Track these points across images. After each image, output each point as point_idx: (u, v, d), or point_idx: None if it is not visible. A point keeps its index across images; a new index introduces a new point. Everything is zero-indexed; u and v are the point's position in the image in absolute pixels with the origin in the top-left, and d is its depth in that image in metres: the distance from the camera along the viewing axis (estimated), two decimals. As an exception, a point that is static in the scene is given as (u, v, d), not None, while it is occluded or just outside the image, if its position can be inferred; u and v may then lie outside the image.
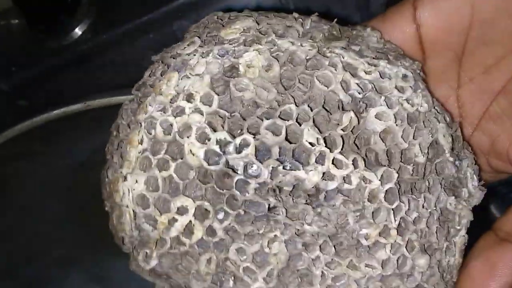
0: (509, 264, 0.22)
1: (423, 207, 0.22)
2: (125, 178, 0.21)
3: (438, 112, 0.23)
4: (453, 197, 0.23)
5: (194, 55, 0.22)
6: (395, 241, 0.22)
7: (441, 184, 0.22)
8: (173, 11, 0.38)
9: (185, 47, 0.22)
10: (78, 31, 0.39)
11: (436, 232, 0.23)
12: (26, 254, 0.35)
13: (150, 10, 0.38)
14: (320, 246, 0.22)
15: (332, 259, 0.22)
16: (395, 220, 0.22)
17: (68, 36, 0.39)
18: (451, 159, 0.23)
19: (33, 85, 0.40)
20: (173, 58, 0.22)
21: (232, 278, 0.21)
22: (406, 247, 0.22)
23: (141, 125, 0.21)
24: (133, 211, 0.21)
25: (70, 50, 0.39)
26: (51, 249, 0.34)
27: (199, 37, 0.22)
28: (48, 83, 0.40)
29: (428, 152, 0.22)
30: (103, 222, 0.34)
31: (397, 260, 0.22)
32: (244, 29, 0.22)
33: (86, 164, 0.36)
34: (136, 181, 0.21)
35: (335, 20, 0.23)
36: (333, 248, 0.22)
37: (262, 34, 0.22)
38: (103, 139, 0.36)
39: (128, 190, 0.21)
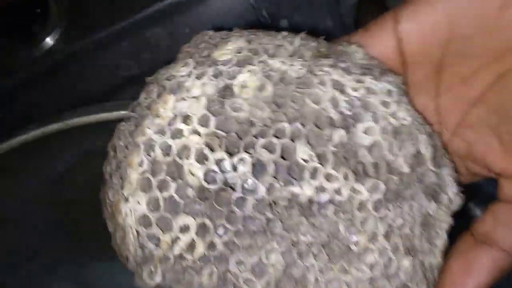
0: (486, 265, 0.24)
1: (407, 213, 0.24)
2: (126, 200, 0.22)
3: (420, 124, 0.24)
4: (434, 203, 0.24)
5: (189, 76, 0.22)
6: (382, 246, 0.23)
7: (423, 191, 0.24)
8: (146, 18, 0.37)
9: (179, 69, 0.23)
10: (49, 41, 0.38)
11: (419, 236, 0.24)
12: (8, 264, 0.35)
13: (123, 18, 0.37)
14: (313, 254, 0.23)
15: (325, 265, 0.23)
16: (382, 227, 0.23)
17: (40, 46, 0.38)
18: (432, 168, 0.24)
19: (6, 97, 0.39)
20: (168, 80, 0.23)
21: None
22: (391, 250, 0.24)
23: (140, 147, 0.22)
24: (136, 231, 0.22)
25: (43, 61, 0.38)
26: (32, 259, 0.34)
27: (192, 58, 0.23)
28: (21, 95, 0.39)
29: (411, 162, 0.24)
30: (83, 232, 0.34)
31: (384, 263, 0.24)
32: (236, 49, 0.23)
33: (64, 178, 0.36)
34: (138, 202, 0.22)
35: (323, 37, 0.24)
36: (326, 255, 0.23)
37: (253, 54, 0.23)
38: (79, 153, 0.36)
39: (130, 211, 0.22)
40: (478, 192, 0.39)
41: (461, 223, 0.25)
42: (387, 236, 0.24)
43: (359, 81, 0.23)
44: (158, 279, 0.22)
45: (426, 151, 0.24)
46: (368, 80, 0.23)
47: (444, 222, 0.25)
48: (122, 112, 0.31)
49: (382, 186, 0.23)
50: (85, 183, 0.34)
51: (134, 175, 0.22)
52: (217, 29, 0.24)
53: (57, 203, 0.35)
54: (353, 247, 0.23)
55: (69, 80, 0.39)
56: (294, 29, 0.30)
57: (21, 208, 0.36)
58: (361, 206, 0.23)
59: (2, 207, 0.36)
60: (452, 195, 0.25)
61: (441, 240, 0.25)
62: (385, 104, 0.23)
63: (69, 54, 0.38)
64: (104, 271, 0.33)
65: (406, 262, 0.24)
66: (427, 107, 0.26)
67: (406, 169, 0.24)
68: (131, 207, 0.22)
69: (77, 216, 0.34)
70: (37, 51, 0.38)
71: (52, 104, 0.39)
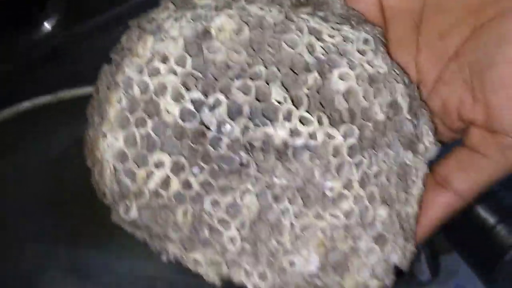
0: (440, 206, 0.25)
1: (383, 161, 0.24)
2: (105, 135, 0.23)
3: (397, 74, 0.24)
4: (411, 152, 0.25)
5: (168, 19, 0.23)
6: (358, 193, 0.24)
7: (399, 140, 0.24)
8: (144, 3, 0.38)
9: (159, 13, 0.23)
10: (48, 25, 0.39)
11: (395, 185, 0.24)
12: (2, 249, 0.35)
13: (120, 3, 0.38)
14: (288, 198, 0.23)
15: (300, 210, 0.23)
16: (357, 174, 0.24)
17: (38, 31, 0.39)
18: (409, 117, 0.24)
19: (5, 80, 0.40)
20: (149, 23, 0.23)
21: (208, 228, 0.23)
22: (367, 198, 0.24)
23: (119, 86, 0.23)
24: (113, 166, 0.23)
25: (41, 45, 0.39)
26: (27, 244, 0.35)
27: (173, 3, 0.24)
28: (19, 79, 0.40)
29: (387, 110, 0.24)
30: (79, 217, 0.34)
31: (360, 211, 0.24)
32: None
33: (60, 159, 0.36)
34: (116, 138, 0.22)
35: (302, -13, 0.25)
36: (301, 199, 0.23)
37: (232, 0, 0.23)
38: (76, 133, 0.36)
39: (108, 146, 0.22)
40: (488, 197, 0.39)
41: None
42: (362, 183, 0.24)
43: (336, 29, 0.24)
44: (133, 214, 0.23)
45: (403, 100, 0.24)
46: (346, 28, 0.24)
47: (420, 170, 0.25)
48: None
49: (357, 131, 0.23)
50: (81, 169, 0.35)
51: (112, 112, 0.22)
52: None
53: (51, 187, 0.35)
54: (328, 193, 0.23)
55: (67, 64, 0.40)
56: None
57: (13, 190, 0.36)
58: (336, 151, 0.23)
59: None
60: (428, 144, 0.25)
61: (417, 189, 0.25)
62: (361, 51, 0.24)
63: (67, 38, 0.39)
64: (98, 257, 0.33)
65: (383, 211, 0.24)
66: (407, 65, 0.26)
67: (381, 116, 0.24)
68: (109, 143, 0.22)
69: (72, 202, 0.34)
70: (36, 35, 0.39)
71: (50, 87, 0.40)
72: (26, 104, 0.37)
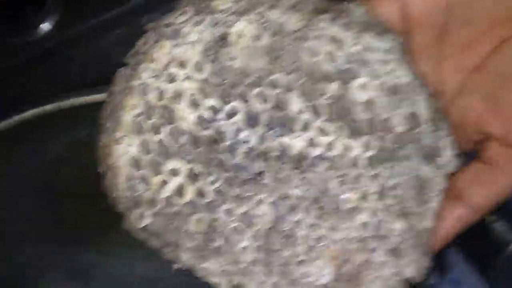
0: (453, 218, 0.25)
1: (401, 174, 0.24)
2: (118, 142, 0.22)
3: (419, 85, 0.24)
4: (430, 165, 0.24)
5: (187, 23, 0.23)
6: (374, 206, 0.23)
7: (419, 153, 0.24)
8: (141, 6, 0.37)
9: (177, 17, 0.23)
10: (45, 26, 0.39)
11: (412, 198, 0.24)
12: (1, 251, 0.34)
13: (117, 5, 0.38)
14: (303, 209, 0.23)
15: (314, 222, 0.23)
16: (374, 186, 0.23)
17: (35, 32, 0.39)
18: (429, 129, 0.24)
19: (0, 81, 0.40)
20: (166, 27, 0.23)
21: (221, 237, 0.23)
22: (384, 211, 0.23)
23: (134, 91, 0.22)
24: (127, 172, 0.22)
25: (38, 46, 0.39)
26: (25, 247, 0.34)
27: (191, 7, 0.23)
28: (15, 80, 0.40)
29: (407, 122, 0.23)
30: (78, 219, 0.34)
31: (375, 224, 0.23)
32: (235, 0, 0.23)
33: (60, 161, 0.36)
34: (130, 144, 0.22)
35: (324, -7, 0.24)
36: (316, 211, 0.23)
37: (253, 4, 0.23)
38: (75, 136, 0.36)
39: (122, 152, 0.22)
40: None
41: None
42: (379, 196, 0.23)
43: (357, 37, 0.23)
44: (146, 222, 0.22)
45: (424, 112, 0.24)
46: (367, 37, 0.23)
47: (438, 185, 0.24)
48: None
49: (375, 144, 0.23)
50: (80, 170, 0.34)
51: (127, 118, 0.22)
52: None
53: (50, 189, 0.35)
54: (344, 205, 0.23)
55: (63, 66, 0.40)
56: None
57: (10, 193, 0.35)
58: (353, 163, 0.23)
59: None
60: (448, 158, 0.24)
61: (434, 203, 0.24)
62: (383, 61, 0.23)
63: (64, 40, 0.39)
64: (98, 259, 0.33)
65: (399, 225, 0.24)
66: (429, 75, 0.26)
67: (401, 128, 0.23)
68: (123, 149, 0.22)
69: (71, 203, 0.33)
70: (33, 36, 0.39)
71: (46, 89, 0.40)
72: (26, 114, 0.37)
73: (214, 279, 0.23)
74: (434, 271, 0.40)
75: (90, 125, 0.34)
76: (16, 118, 0.37)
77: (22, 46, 0.39)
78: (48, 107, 0.36)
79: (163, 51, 0.22)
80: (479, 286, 0.48)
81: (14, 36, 0.39)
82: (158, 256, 0.24)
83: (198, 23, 0.22)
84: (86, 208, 0.33)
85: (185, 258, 0.23)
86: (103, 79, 0.39)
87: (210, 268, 0.23)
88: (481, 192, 0.25)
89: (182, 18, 0.23)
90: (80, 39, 0.39)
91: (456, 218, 0.25)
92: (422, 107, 0.24)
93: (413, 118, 0.24)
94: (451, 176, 0.25)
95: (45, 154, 0.36)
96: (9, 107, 0.37)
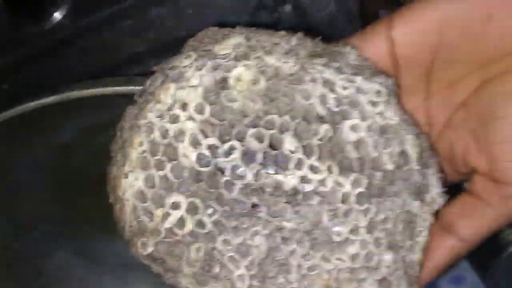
0: (445, 251, 0.26)
1: (390, 209, 0.25)
2: (126, 175, 0.24)
3: (407, 125, 0.25)
4: (418, 202, 0.25)
5: (190, 67, 0.24)
6: (364, 238, 0.25)
7: (407, 189, 0.25)
8: None
9: (182, 60, 0.25)
10: (58, 15, 0.39)
11: (401, 232, 0.25)
12: (14, 230, 0.36)
13: None
14: (297, 241, 0.24)
15: (307, 252, 0.25)
16: (364, 220, 0.24)
17: (48, 21, 0.39)
18: (418, 167, 0.25)
19: (14, 69, 0.40)
20: (171, 70, 0.25)
21: (219, 265, 0.24)
22: (373, 244, 0.25)
23: (141, 129, 0.24)
24: (133, 204, 0.24)
25: (50, 35, 0.39)
26: (37, 225, 0.35)
27: (194, 51, 0.25)
28: (28, 68, 0.40)
29: (396, 160, 0.25)
30: (86, 201, 0.34)
31: (365, 255, 0.25)
32: (235, 45, 0.25)
33: (70, 147, 0.37)
34: (136, 178, 0.24)
35: (320, 38, 0.26)
36: (308, 242, 0.24)
37: (251, 50, 0.25)
38: (84, 122, 0.37)
39: (129, 185, 0.24)
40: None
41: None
42: (369, 229, 0.25)
43: (349, 80, 0.25)
44: (150, 249, 0.24)
45: (412, 151, 0.25)
46: (359, 80, 0.25)
47: (426, 220, 0.25)
48: (119, 88, 0.33)
49: (365, 181, 0.24)
50: (89, 156, 0.35)
51: (134, 154, 0.24)
52: (221, 25, 0.26)
53: (61, 173, 0.36)
54: (335, 237, 0.25)
55: (75, 55, 0.40)
56: (298, 15, 0.31)
57: (24, 176, 0.36)
58: (344, 198, 0.24)
59: (5, 175, 0.36)
60: (435, 195, 0.26)
61: (422, 237, 0.26)
62: (373, 103, 0.25)
63: (77, 29, 0.39)
64: (104, 241, 0.34)
65: (388, 257, 0.25)
66: (417, 109, 0.27)
67: (390, 166, 0.25)
68: (130, 183, 0.24)
69: (80, 187, 0.34)
70: (45, 25, 0.39)
71: (58, 77, 0.40)
72: (32, 104, 0.37)
73: (211, 304, 0.25)
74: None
75: (98, 114, 0.36)
76: (29, 105, 0.37)
77: (34, 34, 0.39)
78: (58, 96, 0.36)
79: (168, 93, 0.24)
80: (479, 284, 0.48)
81: (27, 24, 0.39)
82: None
83: (200, 67, 0.24)
84: (95, 192, 0.34)
85: (185, 283, 0.25)
86: (114, 68, 0.40)
87: (208, 293, 0.25)
88: (470, 224, 0.26)
89: (186, 62, 0.25)
90: (92, 28, 0.39)
91: (447, 250, 0.26)
92: (410, 146, 0.25)
93: (402, 157, 0.25)
94: (441, 208, 0.27)
95: (56, 140, 0.37)
96: (21, 95, 0.38)
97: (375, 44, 0.26)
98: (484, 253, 0.47)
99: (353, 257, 0.25)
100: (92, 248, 0.34)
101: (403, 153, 0.25)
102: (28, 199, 0.36)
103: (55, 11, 0.39)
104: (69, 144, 0.37)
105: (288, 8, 0.34)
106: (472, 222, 0.26)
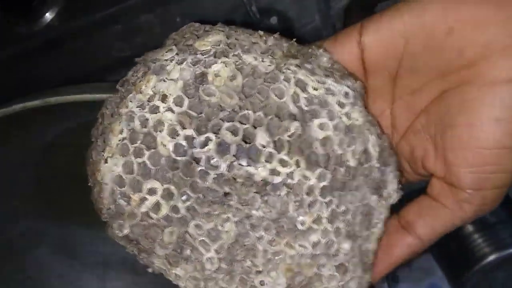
0: (402, 248, 0.28)
1: (350, 202, 0.27)
2: (106, 161, 0.25)
3: (371, 126, 0.27)
4: (376, 196, 0.28)
5: (171, 61, 0.26)
6: (326, 228, 0.27)
7: (367, 184, 0.27)
8: (141, 4, 0.39)
9: (164, 54, 0.26)
10: (48, 16, 0.40)
11: (359, 223, 0.27)
12: None
13: (119, 2, 0.39)
14: (264, 228, 0.26)
15: (273, 238, 0.27)
16: (326, 211, 0.27)
17: (38, 22, 0.39)
18: (377, 165, 0.27)
19: (2, 69, 0.41)
20: (153, 62, 0.26)
21: (190, 248, 0.26)
22: (334, 233, 0.27)
23: (122, 117, 0.25)
24: (111, 188, 0.25)
25: (40, 36, 0.40)
26: (18, 222, 0.36)
27: (176, 45, 0.26)
28: (18, 68, 0.41)
29: (359, 158, 0.27)
30: (68, 199, 0.35)
31: (326, 243, 0.27)
32: (215, 42, 0.26)
33: (54, 146, 0.38)
34: (115, 164, 0.25)
35: (294, 40, 0.27)
36: (275, 230, 0.26)
37: (230, 48, 0.26)
38: (68, 124, 0.38)
39: (108, 170, 0.25)
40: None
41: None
42: (330, 219, 0.27)
43: (320, 82, 0.26)
44: (126, 231, 0.26)
45: (374, 150, 0.27)
46: (329, 82, 0.26)
47: (382, 213, 0.28)
48: (100, 95, 0.34)
49: (329, 175, 0.26)
50: (71, 155, 0.35)
51: (114, 141, 0.25)
52: (203, 22, 0.27)
53: (43, 172, 0.36)
54: (299, 226, 0.27)
55: (64, 57, 0.41)
56: (284, 27, 0.33)
57: (6, 173, 0.37)
58: (309, 191, 0.26)
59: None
60: (392, 191, 0.28)
61: (378, 228, 0.28)
62: (341, 104, 0.26)
63: (66, 31, 0.40)
64: (86, 238, 0.35)
65: (346, 245, 0.27)
66: (383, 112, 0.29)
67: (353, 163, 0.27)
68: (109, 168, 0.25)
69: (62, 186, 0.35)
70: (35, 26, 0.39)
71: (46, 79, 0.41)
72: (18, 106, 0.38)
73: (182, 284, 0.27)
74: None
75: (81, 116, 0.36)
76: (15, 107, 0.37)
77: (24, 35, 0.40)
78: (43, 100, 0.37)
79: (149, 85, 0.25)
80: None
81: (17, 24, 0.40)
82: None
83: (181, 61, 0.25)
84: (79, 190, 0.35)
85: (158, 264, 0.27)
86: (102, 71, 0.41)
87: (179, 273, 0.27)
88: (427, 224, 0.28)
89: (168, 56, 0.26)
90: (82, 31, 0.40)
91: (404, 247, 0.28)
92: (372, 145, 0.27)
93: (364, 154, 0.27)
94: (402, 208, 0.29)
95: (39, 139, 0.38)
96: (11, 95, 0.38)
97: (346, 48, 0.27)
98: (458, 265, 0.50)
99: (315, 245, 0.27)
100: (72, 245, 0.35)
101: (365, 152, 0.27)
102: (9, 196, 0.36)
103: (45, 12, 0.39)
104: (52, 144, 0.37)
105: (274, 19, 0.36)
106: (429, 223, 0.28)
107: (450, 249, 0.51)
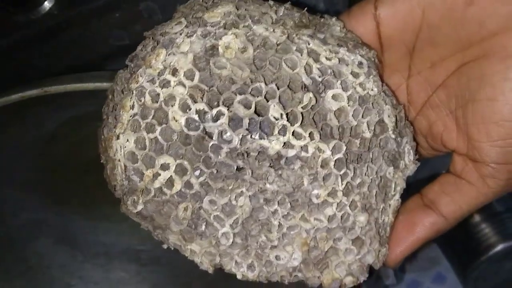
0: (426, 226, 0.27)
1: (366, 174, 0.27)
2: (118, 137, 0.25)
3: (386, 96, 0.27)
4: (392, 168, 0.27)
5: (181, 34, 0.25)
6: (341, 201, 0.26)
7: (383, 156, 0.27)
8: None
9: (173, 27, 0.25)
10: (47, 5, 0.39)
11: (375, 195, 0.27)
12: None
13: None
14: (278, 202, 0.26)
15: (288, 213, 0.26)
16: (342, 184, 0.26)
17: (37, 10, 0.39)
18: (393, 136, 0.27)
19: (1, 57, 0.41)
20: (162, 36, 0.25)
21: (205, 223, 0.26)
22: (349, 206, 0.27)
23: (132, 93, 0.25)
24: (124, 164, 0.25)
25: (38, 24, 0.40)
26: (20, 212, 0.35)
27: (185, 18, 0.26)
28: (16, 56, 0.41)
29: (374, 129, 0.26)
30: (69, 189, 0.35)
31: (341, 216, 0.27)
32: (224, 13, 0.25)
33: (56, 136, 0.37)
34: (127, 140, 0.25)
35: (306, 8, 0.26)
36: (289, 204, 0.26)
37: (240, 19, 0.25)
38: (70, 113, 0.37)
39: (120, 147, 0.25)
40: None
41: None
42: (346, 192, 0.26)
43: (333, 52, 0.26)
44: (140, 207, 0.26)
45: (389, 120, 0.27)
46: (342, 51, 0.26)
47: (399, 185, 0.27)
48: (100, 84, 0.33)
49: (344, 147, 0.26)
50: (73, 145, 0.36)
51: (125, 117, 0.25)
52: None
53: (44, 162, 0.36)
54: (314, 199, 0.26)
55: (63, 45, 0.41)
56: None
57: (7, 163, 0.37)
58: (324, 163, 0.26)
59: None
60: (408, 162, 0.27)
61: (395, 201, 0.27)
62: (355, 74, 0.26)
63: (65, 20, 0.40)
64: (87, 229, 0.34)
65: (362, 218, 0.27)
66: (399, 86, 0.28)
67: (368, 134, 0.26)
68: (121, 144, 0.25)
69: (63, 175, 0.35)
70: (34, 14, 0.39)
71: (45, 68, 0.41)
72: (17, 95, 0.38)
73: (197, 259, 0.27)
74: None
75: (83, 106, 0.36)
76: (15, 96, 0.38)
77: (23, 23, 0.40)
78: (43, 90, 0.38)
79: (159, 59, 0.25)
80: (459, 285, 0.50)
81: (17, 13, 0.40)
82: (141, 231, 0.27)
83: (190, 34, 0.25)
84: (78, 180, 0.35)
85: (172, 240, 0.26)
86: (101, 60, 0.41)
87: (194, 249, 0.26)
88: (451, 202, 0.27)
89: (177, 29, 0.25)
90: (80, 19, 0.40)
91: (428, 226, 0.28)
92: (387, 116, 0.27)
93: (379, 125, 0.27)
94: (424, 186, 0.28)
95: (41, 129, 0.38)
96: (9, 84, 0.39)
97: (361, 22, 0.27)
98: (465, 255, 0.49)
99: (330, 218, 0.27)
100: (74, 235, 0.34)
101: (380, 122, 0.26)
102: (11, 186, 0.36)
103: (44, 1, 0.39)
104: (53, 133, 0.37)
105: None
106: (453, 200, 0.27)
107: (456, 239, 0.50)
